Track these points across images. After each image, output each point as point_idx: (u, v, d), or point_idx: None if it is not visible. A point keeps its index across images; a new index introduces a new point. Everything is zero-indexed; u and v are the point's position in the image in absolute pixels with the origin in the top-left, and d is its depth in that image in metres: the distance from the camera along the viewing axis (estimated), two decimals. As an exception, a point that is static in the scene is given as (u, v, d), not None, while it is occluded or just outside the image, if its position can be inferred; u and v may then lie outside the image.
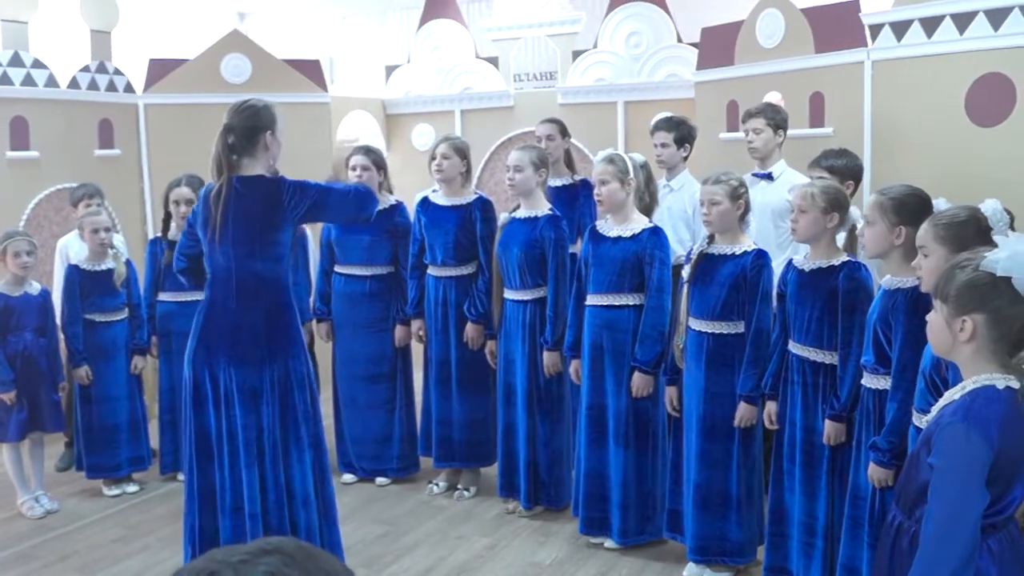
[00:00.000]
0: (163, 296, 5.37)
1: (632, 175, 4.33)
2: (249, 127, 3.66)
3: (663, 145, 5.29)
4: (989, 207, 2.80)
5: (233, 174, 3.63)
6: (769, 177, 4.87)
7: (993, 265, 2.20)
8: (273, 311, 3.69)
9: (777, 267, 4.05)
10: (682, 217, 5.21)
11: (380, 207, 5.25)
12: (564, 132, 5.57)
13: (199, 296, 3.89)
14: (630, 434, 4.32)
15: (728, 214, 3.96)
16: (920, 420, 2.83)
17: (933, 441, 2.22)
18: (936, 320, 2.33)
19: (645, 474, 4.35)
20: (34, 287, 5.06)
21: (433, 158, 5.10)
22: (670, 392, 4.21)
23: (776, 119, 4.89)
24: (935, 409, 2.33)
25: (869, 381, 3.30)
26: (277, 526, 3.63)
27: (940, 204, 3.02)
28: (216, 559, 1.10)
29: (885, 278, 3.25)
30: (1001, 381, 2.20)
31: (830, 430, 3.55)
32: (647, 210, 4.47)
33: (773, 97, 5.54)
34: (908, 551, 2.29)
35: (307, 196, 3.65)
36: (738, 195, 3.95)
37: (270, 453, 3.65)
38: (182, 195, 5.18)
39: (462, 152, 5.11)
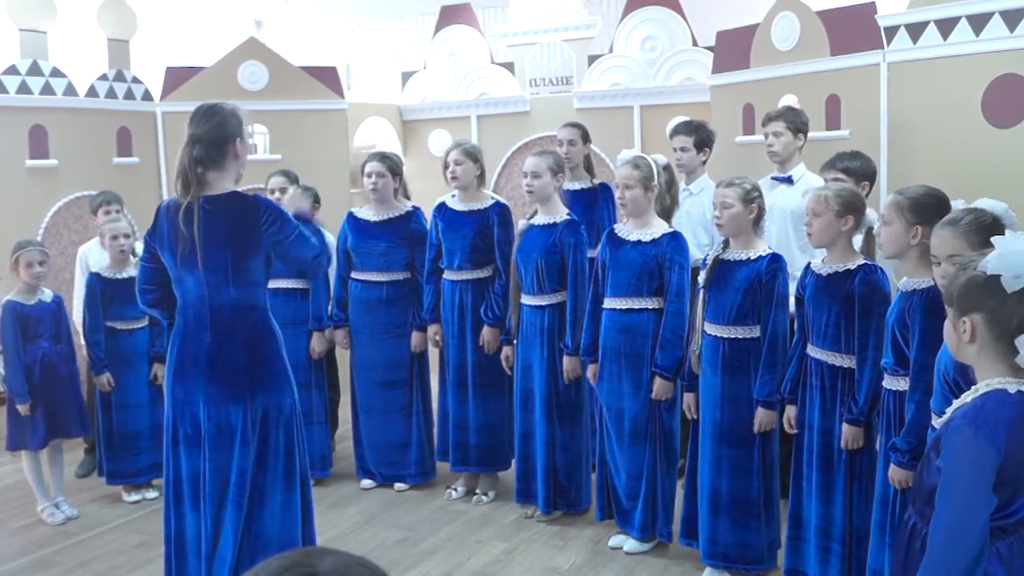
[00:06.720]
0: None
1: (656, 180, 4.33)
2: (218, 136, 3.30)
3: (682, 149, 5.28)
4: (998, 207, 2.81)
5: (201, 190, 3.29)
6: (789, 180, 4.85)
7: (986, 264, 2.21)
8: (252, 342, 3.37)
9: (797, 271, 4.04)
10: (701, 221, 5.21)
11: (396, 213, 5.31)
12: (585, 137, 5.56)
13: None
14: (648, 435, 4.33)
15: (739, 217, 3.94)
16: (938, 422, 2.82)
17: (942, 444, 2.22)
18: (947, 323, 2.35)
19: (658, 475, 4.35)
20: (46, 295, 5.09)
21: (446, 166, 5.11)
22: (688, 398, 4.20)
23: (796, 122, 4.88)
24: (948, 412, 2.33)
25: (889, 383, 3.28)
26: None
27: (958, 206, 3.01)
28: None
29: (903, 280, 3.24)
30: (1013, 385, 2.19)
31: (847, 434, 3.54)
32: (667, 212, 4.46)
33: (789, 100, 5.53)
34: (920, 552, 2.29)
35: (285, 232, 3.34)
36: (750, 199, 3.93)
37: (243, 497, 3.34)
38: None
39: (474, 156, 5.12)
